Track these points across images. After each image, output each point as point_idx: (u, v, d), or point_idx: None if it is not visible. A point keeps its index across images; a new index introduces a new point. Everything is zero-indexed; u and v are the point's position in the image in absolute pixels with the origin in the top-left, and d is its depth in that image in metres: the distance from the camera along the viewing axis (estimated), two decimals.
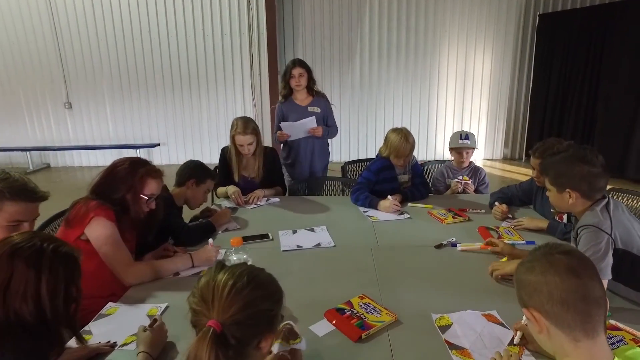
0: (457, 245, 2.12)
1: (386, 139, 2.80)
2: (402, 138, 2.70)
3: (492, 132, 7.79)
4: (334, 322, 1.50)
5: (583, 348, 0.93)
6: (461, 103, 7.62)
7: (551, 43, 6.86)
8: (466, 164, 3.16)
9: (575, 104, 6.64)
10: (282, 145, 3.55)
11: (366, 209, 2.66)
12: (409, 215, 2.55)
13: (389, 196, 2.63)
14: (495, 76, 7.46)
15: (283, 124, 3.32)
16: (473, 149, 3.13)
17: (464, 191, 3.05)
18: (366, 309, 1.57)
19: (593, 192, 1.62)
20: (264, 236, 2.30)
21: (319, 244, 2.19)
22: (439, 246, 2.11)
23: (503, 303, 1.61)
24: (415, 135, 7.54)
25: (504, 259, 1.87)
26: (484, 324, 1.48)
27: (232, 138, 2.88)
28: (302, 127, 3.29)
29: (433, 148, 7.66)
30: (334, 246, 2.17)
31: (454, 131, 3.31)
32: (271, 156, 3.09)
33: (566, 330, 0.94)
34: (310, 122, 3.27)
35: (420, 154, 7.53)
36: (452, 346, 1.38)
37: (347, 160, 3.87)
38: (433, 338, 1.43)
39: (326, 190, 3.38)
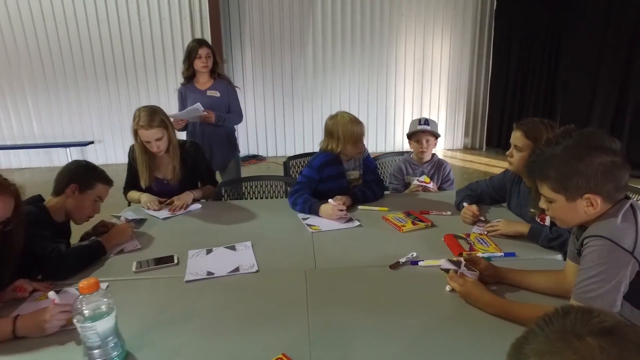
0: (419, 262, 1.62)
1: (329, 130, 2.27)
2: (348, 119, 2.19)
3: (452, 121, 7.48)
4: None
5: None
6: (420, 91, 7.25)
7: (509, 29, 6.65)
8: (427, 157, 2.68)
9: (535, 91, 6.44)
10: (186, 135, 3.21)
11: (306, 216, 2.13)
12: (358, 223, 2.04)
13: (329, 200, 2.11)
14: (454, 63, 7.14)
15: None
16: (435, 137, 2.66)
17: (425, 190, 2.58)
18: None
19: (619, 191, 1.16)
20: (168, 259, 1.72)
21: (237, 269, 1.64)
22: (395, 265, 1.61)
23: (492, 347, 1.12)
24: (372, 126, 7.07)
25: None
26: None
27: (135, 133, 2.27)
28: (189, 115, 2.98)
29: (392, 140, 7.25)
30: (257, 271, 1.63)
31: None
32: (193, 151, 2.50)
33: None
34: (195, 111, 2.93)
35: (378, 147, 7.10)
36: None
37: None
38: None
39: (266, 192, 2.82)
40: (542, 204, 1.25)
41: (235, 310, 1.37)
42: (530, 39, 6.39)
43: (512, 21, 6.57)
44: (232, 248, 1.82)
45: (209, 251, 1.80)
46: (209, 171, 2.65)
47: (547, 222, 1.84)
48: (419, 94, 7.27)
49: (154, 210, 2.28)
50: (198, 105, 2.91)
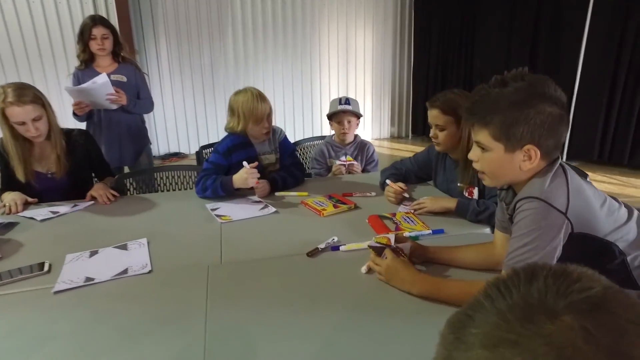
0: (340, 247, 1.43)
1: (230, 107, 2.02)
2: (250, 95, 1.95)
3: (377, 110, 7.50)
4: None
5: None
6: (345, 82, 7.17)
7: (428, 18, 6.77)
8: (350, 138, 2.52)
9: (455, 79, 6.62)
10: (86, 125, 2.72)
11: (215, 206, 1.86)
12: (275, 210, 1.81)
13: (244, 163, 1.87)
14: (377, 53, 7.14)
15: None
16: (357, 117, 2.50)
17: (349, 173, 2.41)
18: None
19: (556, 149, 1.04)
20: (35, 268, 1.38)
21: (125, 271, 1.35)
22: (313, 253, 1.41)
23: (423, 344, 0.95)
24: (298, 117, 6.87)
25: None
26: None
27: (2, 114, 1.86)
28: (96, 93, 2.47)
29: (318, 131, 7.10)
30: (150, 272, 1.35)
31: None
32: (83, 141, 2.13)
33: None
34: (102, 79, 2.44)
35: (305, 135, 6.91)
36: None
37: None
38: None
39: (179, 184, 2.50)
40: (473, 153, 1.11)
41: (115, 323, 1.09)
42: (448, 28, 6.55)
43: (430, 10, 6.70)
44: (124, 247, 1.52)
45: (93, 253, 1.48)
46: (104, 164, 2.28)
47: (475, 194, 1.75)
48: (344, 84, 7.20)
49: (16, 212, 1.88)
50: (104, 77, 2.44)
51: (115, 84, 2.55)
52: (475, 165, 1.15)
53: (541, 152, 1.00)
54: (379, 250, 1.24)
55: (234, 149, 2.02)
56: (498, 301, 0.35)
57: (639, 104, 4.34)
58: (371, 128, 7.38)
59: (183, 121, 6.74)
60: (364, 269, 1.27)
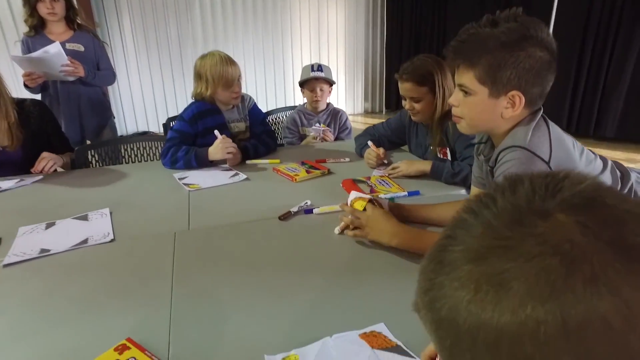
0: (313, 210, 1.38)
1: (197, 71, 1.92)
2: (218, 58, 1.86)
3: (351, 86, 7.42)
4: None
5: None
6: (318, 58, 7.04)
7: None
8: (322, 105, 2.45)
9: (427, 52, 6.56)
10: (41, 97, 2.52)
11: (183, 175, 1.78)
12: (245, 177, 1.74)
13: (216, 132, 1.80)
14: (349, 26, 7.03)
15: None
16: (329, 84, 2.43)
17: (323, 141, 2.36)
18: None
19: (540, 99, 1.00)
20: None
21: (85, 241, 1.26)
22: (286, 216, 1.35)
23: (397, 299, 0.92)
24: (270, 93, 6.72)
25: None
26: (367, 357, 0.76)
27: None
28: (48, 63, 2.25)
29: (292, 101, 6.98)
30: (113, 240, 1.27)
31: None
32: (37, 112, 1.99)
33: None
34: (54, 49, 2.22)
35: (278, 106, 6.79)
36: None
37: None
38: None
39: (139, 156, 2.39)
40: (454, 98, 1.05)
41: (73, 293, 1.02)
42: (420, 1, 6.49)
43: None
44: (84, 218, 1.42)
45: (49, 225, 1.38)
46: (63, 137, 2.14)
47: (449, 156, 1.72)
48: (316, 60, 7.07)
49: None
50: (57, 47, 2.23)
51: (70, 53, 2.35)
52: (455, 111, 1.09)
53: (525, 100, 0.96)
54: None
55: (200, 116, 1.92)
56: (482, 213, 0.31)
57: (604, 75, 4.42)
58: (345, 104, 7.31)
59: (151, 99, 6.48)
60: (337, 230, 1.23)
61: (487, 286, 0.26)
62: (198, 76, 1.90)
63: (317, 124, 2.34)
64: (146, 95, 6.43)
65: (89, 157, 2.18)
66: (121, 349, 0.79)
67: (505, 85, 0.95)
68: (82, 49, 2.47)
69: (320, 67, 2.39)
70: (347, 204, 1.23)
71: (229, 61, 1.86)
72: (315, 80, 2.38)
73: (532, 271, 0.25)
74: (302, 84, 2.42)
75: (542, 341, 0.23)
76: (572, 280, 0.23)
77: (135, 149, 2.35)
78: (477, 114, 1.03)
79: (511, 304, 0.25)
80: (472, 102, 1.01)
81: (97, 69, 2.56)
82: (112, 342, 0.81)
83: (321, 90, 2.39)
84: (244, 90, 2.03)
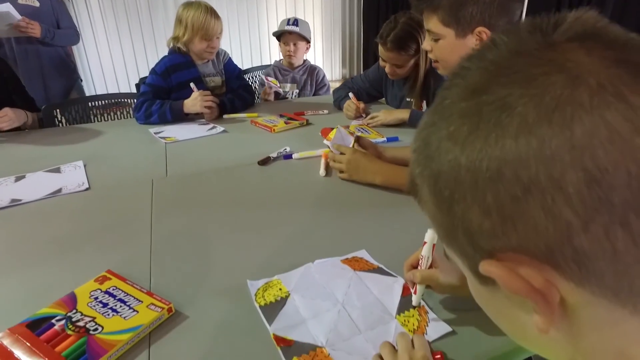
0: (293, 155, 1.38)
1: (178, 17, 1.85)
2: (204, 8, 1.79)
3: (329, 52, 7.30)
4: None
5: None
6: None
7: None
8: (297, 61, 2.40)
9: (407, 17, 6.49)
10: None
11: (159, 129, 1.73)
12: (223, 129, 1.71)
13: (191, 85, 1.76)
14: None
15: None
16: (306, 41, 2.38)
17: (277, 97, 2.28)
18: (104, 305, 0.72)
19: None
20: None
21: (58, 191, 1.23)
22: (265, 161, 1.34)
23: (378, 229, 0.94)
24: (245, 54, 6.51)
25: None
26: (349, 281, 0.77)
27: None
28: None
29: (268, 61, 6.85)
30: (88, 189, 1.24)
31: None
32: None
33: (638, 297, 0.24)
34: (3, 8, 2.08)
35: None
36: (290, 348, 0.64)
37: None
38: (249, 334, 0.67)
39: (111, 114, 2.31)
40: (427, 43, 1.07)
41: (49, 237, 0.99)
42: None
43: None
44: (56, 171, 1.38)
45: (19, 178, 1.33)
46: (26, 96, 2.04)
47: (424, 108, 1.73)
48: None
49: None
50: (8, 6, 2.10)
51: (23, 10, 2.20)
52: (430, 55, 1.11)
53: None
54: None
55: (174, 69, 1.86)
56: (483, 58, 0.28)
57: None
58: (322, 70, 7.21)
59: (122, 68, 6.21)
60: (321, 171, 1.23)
61: (489, 114, 0.25)
62: (179, 21, 1.83)
63: (268, 79, 2.23)
64: (115, 57, 6.12)
65: (58, 116, 2.10)
66: (102, 280, 0.78)
67: (470, 23, 0.96)
68: (36, 4, 2.32)
69: (296, 22, 2.33)
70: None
71: (213, 14, 1.80)
72: (289, 34, 2.32)
73: (537, 90, 0.24)
74: (278, 37, 2.36)
75: (548, 157, 0.22)
76: (578, 92, 0.22)
77: (107, 107, 2.27)
78: (449, 56, 1.04)
79: (515, 126, 0.24)
80: (442, 45, 1.03)
81: (57, 27, 2.43)
82: (92, 275, 0.80)
83: (295, 45, 2.33)
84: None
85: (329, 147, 1.23)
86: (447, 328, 0.67)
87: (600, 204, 0.22)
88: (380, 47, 1.71)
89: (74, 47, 4.65)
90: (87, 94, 4.93)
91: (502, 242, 0.25)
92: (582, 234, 0.23)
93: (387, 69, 1.75)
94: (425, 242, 0.67)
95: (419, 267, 0.68)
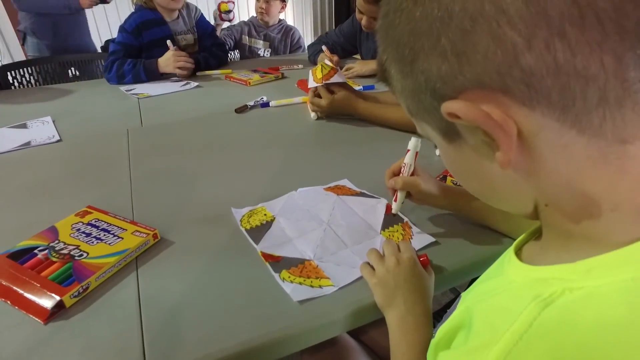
0: (270, 103, 1.37)
1: None
2: None
3: (300, 18, 7.16)
4: None
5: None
6: None
7: None
8: (271, 20, 2.35)
9: None
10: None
11: (131, 87, 1.68)
12: (197, 84, 1.67)
13: (168, 42, 1.71)
14: None
15: None
16: (279, 0, 2.32)
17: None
18: (87, 235, 0.71)
19: None
20: None
21: (27, 144, 1.18)
22: (242, 109, 1.33)
23: (358, 161, 0.95)
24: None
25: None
26: (333, 204, 0.78)
27: None
28: None
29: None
30: (59, 141, 1.20)
31: None
32: None
33: (582, 111, 0.25)
34: None
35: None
36: (278, 263, 0.65)
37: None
38: (236, 255, 0.68)
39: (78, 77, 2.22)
40: None
41: (22, 183, 0.96)
42: None
43: None
44: (22, 126, 1.33)
45: None
46: None
47: None
48: None
49: None
50: None
51: None
52: None
53: None
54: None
55: (144, 27, 1.79)
56: None
57: None
58: None
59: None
60: (313, 115, 1.24)
61: None
62: None
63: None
64: None
65: (10, 79, 1.99)
66: (82, 214, 0.77)
67: None
68: None
69: None
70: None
71: None
72: None
73: None
74: None
75: None
76: None
77: (72, 67, 2.18)
78: None
79: None
80: None
81: None
82: (72, 212, 0.79)
83: (267, 2, 2.28)
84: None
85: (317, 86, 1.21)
86: (431, 239, 0.69)
87: (539, 19, 0.23)
88: (358, 0, 1.69)
89: None
90: None
91: (460, 81, 0.27)
92: (527, 52, 0.24)
93: (363, 22, 1.74)
94: (408, 150, 0.69)
95: (401, 174, 0.69)
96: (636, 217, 0.27)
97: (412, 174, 0.69)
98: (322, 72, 1.18)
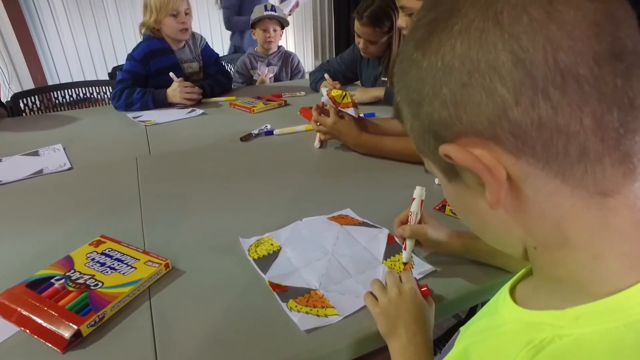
0: (274, 131, 1.41)
1: (144, 4, 1.84)
2: None
3: (300, 45, 7.30)
4: (13, 318, 0.65)
5: (620, 206, 0.29)
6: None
7: None
8: (274, 47, 2.43)
9: None
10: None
11: (138, 114, 1.73)
12: (202, 112, 1.73)
13: (171, 74, 1.77)
14: None
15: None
16: (281, 26, 2.40)
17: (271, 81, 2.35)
18: (102, 265, 0.74)
19: None
20: None
21: (39, 172, 1.22)
22: (247, 137, 1.37)
23: (360, 190, 0.99)
24: (216, 43, 6.37)
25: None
26: (337, 234, 0.82)
27: None
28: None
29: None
30: (70, 169, 1.24)
31: None
32: None
33: (565, 163, 0.28)
34: None
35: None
36: (285, 293, 0.68)
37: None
38: (245, 284, 0.71)
39: (81, 105, 2.28)
40: (402, 20, 1.12)
41: (35, 212, 1.00)
42: None
43: None
44: (34, 154, 1.37)
45: None
46: None
47: None
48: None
49: None
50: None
51: None
52: (405, 32, 1.16)
53: None
54: (324, 112, 1.26)
55: (152, 55, 1.85)
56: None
57: None
58: None
59: (72, 51, 5.84)
60: (316, 143, 1.28)
61: (441, 18, 0.30)
62: (145, 7, 1.83)
63: (265, 68, 2.30)
64: (67, 48, 5.81)
65: (22, 106, 2.05)
66: (96, 243, 0.80)
67: None
68: None
69: (273, 7, 2.35)
70: (322, 103, 1.27)
71: None
72: (269, 19, 2.34)
73: None
74: (254, 24, 2.37)
75: (485, 45, 0.27)
76: None
77: (75, 95, 2.24)
78: None
79: (460, 24, 0.29)
80: None
81: None
82: (86, 241, 0.82)
83: (274, 31, 2.36)
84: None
85: (325, 103, 1.26)
86: (431, 268, 0.72)
87: (525, 79, 0.27)
88: (355, 23, 1.76)
89: (34, 36, 4.58)
90: (49, 79, 4.79)
91: (457, 127, 0.30)
92: (515, 107, 0.27)
93: (360, 45, 1.80)
94: (414, 199, 0.72)
95: (409, 223, 0.72)
96: (619, 266, 0.29)
97: (420, 222, 0.72)
98: (342, 99, 1.23)
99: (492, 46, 0.27)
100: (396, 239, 0.79)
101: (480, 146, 0.30)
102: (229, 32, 3.10)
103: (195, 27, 1.92)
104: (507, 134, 0.28)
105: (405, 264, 0.72)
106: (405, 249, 0.72)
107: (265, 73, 2.33)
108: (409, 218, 0.72)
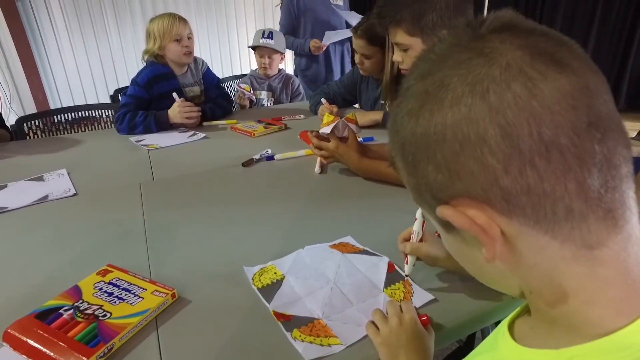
0: (275, 156, 1.44)
1: (147, 31, 1.89)
2: (167, 16, 1.84)
3: None
4: (23, 351, 0.66)
5: (606, 257, 0.32)
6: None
7: None
8: (273, 72, 2.48)
9: None
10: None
11: (140, 138, 1.76)
12: (204, 135, 1.76)
13: (174, 94, 1.81)
14: None
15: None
16: (280, 53, 2.45)
17: (251, 105, 2.39)
18: (109, 294, 0.76)
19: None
20: None
21: (45, 197, 1.24)
22: (248, 162, 1.40)
23: (361, 217, 1.01)
24: (223, 68, 6.43)
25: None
26: (339, 262, 0.84)
27: None
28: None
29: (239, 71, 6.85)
30: (75, 194, 1.26)
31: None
32: None
33: (553, 222, 0.31)
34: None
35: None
36: (289, 322, 0.70)
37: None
38: (250, 314, 0.73)
39: (82, 127, 2.31)
40: (397, 54, 1.15)
41: (41, 239, 1.02)
42: None
43: None
44: (39, 179, 1.39)
45: (1, 187, 1.34)
46: None
47: None
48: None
49: None
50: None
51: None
52: (402, 66, 1.18)
53: None
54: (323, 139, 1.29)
55: (155, 80, 1.89)
56: (429, 53, 0.36)
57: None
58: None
59: (75, 74, 5.91)
60: (317, 169, 1.31)
61: (432, 92, 0.33)
62: (148, 35, 1.88)
63: (242, 85, 2.35)
64: (70, 71, 5.88)
65: (25, 129, 2.08)
66: (103, 273, 0.82)
67: (433, 29, 1.04)
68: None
69: (271, 34, 2.40)
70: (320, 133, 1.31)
71: (177, 16, 1.85)
72: (264, 47, 2.40)
73: (463, 71, 0.31)
74: (254, 48, 2.43)
75: (473, 119, 0.30)
76: (492, 70, 0.30)
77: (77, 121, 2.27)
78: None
79: (450, 99, 0.31)
80: (412, 54, 1.10)
81: None
82: (93, 270, 0.84)
83: (270, 58, 2.41)
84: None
85: (322, 134, 1.30)
86: (430, 296, 0.74)
87: (512, 150, 0.29)
88: (353, 39, 1.82)
89: (36, 57, 4.63)
90: (53, 106, 4.82)
91: (452, 190, 0.33)
92: (504, 176, 0.30)
93: (357, 59, 1.85)
94: (416, 219, 0.75)
95: (410, 241, 0.76)
96: (609, 310, 0.32)
97: (421, 240, 0.76)
98: (327, 119, 1.28)
99: (481, 120, 0.30)
100: (396, 267, 0.82)
101: (475, 207, 0.32)
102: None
103: (196, 51, 1.97)
104: (499, 199, 0.31)
105: (407, 276, 0.78)
106: (406, 263, 0.77)
107: (241, 94, 2.36)
108: (411, 236, 0.76)
